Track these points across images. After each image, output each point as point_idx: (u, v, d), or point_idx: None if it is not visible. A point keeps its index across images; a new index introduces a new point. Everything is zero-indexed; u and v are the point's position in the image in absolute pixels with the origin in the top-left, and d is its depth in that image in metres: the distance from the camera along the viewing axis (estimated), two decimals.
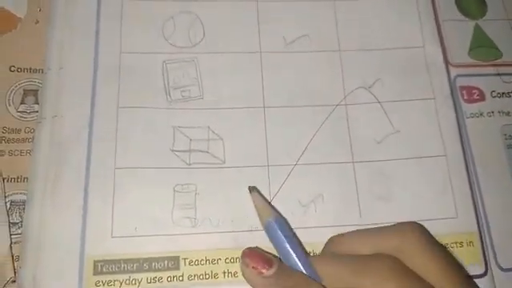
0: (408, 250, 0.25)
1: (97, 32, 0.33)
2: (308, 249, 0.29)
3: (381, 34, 0.35)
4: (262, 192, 0.30)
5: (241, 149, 0.31)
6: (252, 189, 0.28)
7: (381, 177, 0.31)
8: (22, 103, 0.32)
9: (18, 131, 0.31)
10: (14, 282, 0.28)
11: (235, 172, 0.31)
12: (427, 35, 0.35)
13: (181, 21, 0.34)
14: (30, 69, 0.33)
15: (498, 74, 0.34)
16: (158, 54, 0.33)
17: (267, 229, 0.27)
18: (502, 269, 0.30)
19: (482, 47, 0.35)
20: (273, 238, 0.27)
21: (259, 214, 0.27)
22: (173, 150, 0.31)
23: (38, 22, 0.33)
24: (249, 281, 0.26)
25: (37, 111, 0.32)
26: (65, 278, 0.28)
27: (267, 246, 0.29)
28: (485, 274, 0.30)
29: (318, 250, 0.29)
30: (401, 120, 0.33)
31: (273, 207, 0.29)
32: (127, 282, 0.28)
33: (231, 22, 0.34)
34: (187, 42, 0.33)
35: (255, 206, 0.28)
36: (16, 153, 0.31)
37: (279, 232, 0.26)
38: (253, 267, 0.25)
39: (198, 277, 0.29)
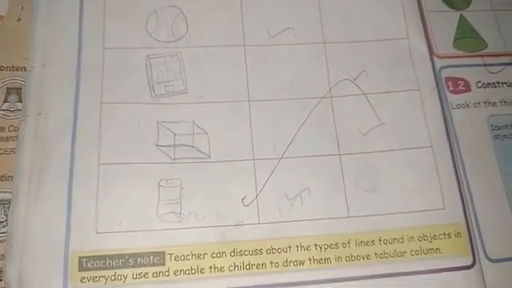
0: None
1: (80, 28, 0.33)
2: (295, 242, 0.29)
3: (365, 26, 0.35)
4: (248, 186, 0.30)
5: (226, 143, 0.31)
6: None
7: (367, 169, 0.31)
8: (5, 101, 0.32)
9: (2, 130, 0.31)
10: (0, 280, 0.28)
11: (221, 166, 0.31)
12: (411, 27, 0.35)
13: (164, 15, 0.34)
14: (13, 67, 0.32)
15: (484, 65, 0.34)
16: (141, 49, 0.33)
17: None
18: (490, 260, 0.30)
19: (467, 38, 0.35)
20: None
21: None
22: (157, 145, 0.31)
23: (20, 19, 0.33)
24: None
25: (20, 109, 0.31)
26: (50, 275, 0.28)
27: (253, 239, 0.29)
28: (472, 265, 0.30)
29: (306, 244, 0.29)
30: (386, 112, 0.33)
31: None
32: (113, 277, 0.28)
33: (214, 15, 0.34)
34: (171, 37, 0.33)
35: None
36: (0, 151, 0.31)
37: None
38: None
39: (184, 272, 0.28)
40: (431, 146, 0.32)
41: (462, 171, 0.32)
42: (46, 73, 0.32)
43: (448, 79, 0.34)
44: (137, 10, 0.34)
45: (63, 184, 0.29)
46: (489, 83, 0.34)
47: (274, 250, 0.29)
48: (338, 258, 0.29)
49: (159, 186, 0.30)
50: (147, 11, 0.34)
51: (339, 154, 0.32)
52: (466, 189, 0.31)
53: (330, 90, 0.33)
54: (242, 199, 0.30)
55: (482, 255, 0.30)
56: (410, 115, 0.33)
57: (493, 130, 0.33)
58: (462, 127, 0.33)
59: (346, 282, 0.29)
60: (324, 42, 0.34)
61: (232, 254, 0.29)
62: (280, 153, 0.31)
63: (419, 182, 0.31)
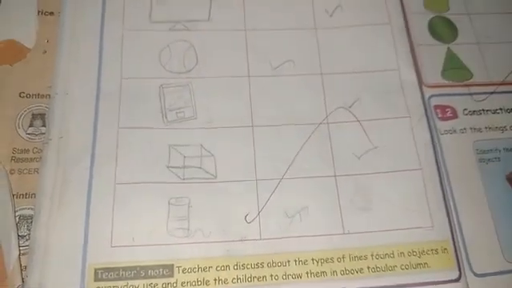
0: None
1: (99, 60, 0.35)
2: (294, 257, 0.31)
3: (359, 59, 0.37)
4: (251, 204, 0.32)
5: (231, 165, 0.33)
6: None
7: (361, 189, 0.33)
8: (30, 126, 0.34)
9: (27, 151, 0.33)
10: None
11: (226, 186, 0.33)
12: (402, 59, 0.37)
13: (176, 49, 0.36)
14: (38, 94, 0.35)
15: (470, 94, 0.36)
16: (155, 79, 0.35)
17: None
18: (475, 274, 0.32)
19: (454, 69, 0.37)
20: None
21: None
22: (168, 167, 0.33)
23: (45, 51, 0.36)
24: None
25: (44, 133, 0.34)
26: (68, 285, 0.30)
27: (255, 254, 0.31)
28: (459, 278, 0.31)
29: (304, 258, 0.31)
30: (379, 137, 0.35)
31: None
32: (125, 287, 0.30)
33: (222, 49, 0.37)
34: (182, 68, 0.36)
35: None
36: (25, 171, 0.33)
37: None
38: None
39: (191, 283, 0.30)
40: (421, 169, 0.34)
41: (449, 192, 0.34)
42: (67, 100, 0.34)
43: (436, 107, 0.36)
44: (151, 43, 0.36)
45: (82, 202, 0.32)
46: (474, 111, 0.36)
47: (274, 264, 0.31)
48: (334, 272, 0.31)
49: (169, 203, 0.32)
50: (161, 45, 0.36)
51: (335, 176, 0.34)
52: (452, 208, 0.33)
53: (327, 116, 0.35)
54: (245, 216, 0.32)
55: (467, 270, 0.32)
56: (400, 140, 0.35)
57: (478, 153, 0.35)
58: (449, 151, 0.35)
59: None
60: (321, 73, 0.36)
61: (235, 267, 0.31)
62: (281, 174, 0.33)
63: (409, 201, 0.33)
